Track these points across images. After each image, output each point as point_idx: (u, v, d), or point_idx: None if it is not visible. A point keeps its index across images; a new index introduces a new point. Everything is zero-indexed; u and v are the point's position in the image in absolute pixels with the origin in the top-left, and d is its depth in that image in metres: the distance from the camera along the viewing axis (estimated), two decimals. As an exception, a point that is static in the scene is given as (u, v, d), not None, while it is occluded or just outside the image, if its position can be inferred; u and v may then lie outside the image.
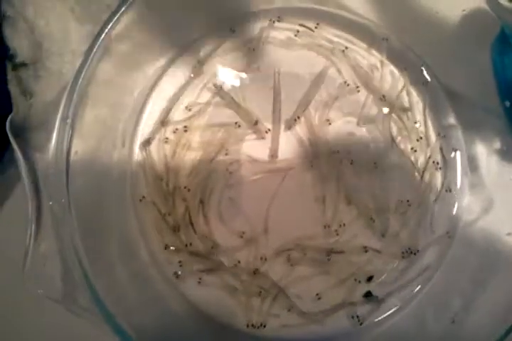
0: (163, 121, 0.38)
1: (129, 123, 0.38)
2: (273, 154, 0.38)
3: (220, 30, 0.39)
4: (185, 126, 0.38)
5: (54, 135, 0.29)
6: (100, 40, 0.31)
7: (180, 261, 0.37)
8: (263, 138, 0.38)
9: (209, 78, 0.39)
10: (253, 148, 0.38)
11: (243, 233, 0.37)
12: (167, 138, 0.38)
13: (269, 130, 0.38)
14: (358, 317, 0.37)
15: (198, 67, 0.39)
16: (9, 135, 0.30)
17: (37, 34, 0.39)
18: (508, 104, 0.36)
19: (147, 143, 0.38)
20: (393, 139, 0.39)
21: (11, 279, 0.28)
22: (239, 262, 0.37)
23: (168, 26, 0.37)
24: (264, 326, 0.36)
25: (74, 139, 0.30)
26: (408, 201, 0.38)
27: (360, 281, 0.37)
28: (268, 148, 0.38)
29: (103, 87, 0.33)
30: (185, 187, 0.37)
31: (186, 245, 0.37)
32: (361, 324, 0.37)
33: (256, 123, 0.38)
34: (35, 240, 0.28)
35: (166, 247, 0.37)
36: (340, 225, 0.38)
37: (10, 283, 0.30)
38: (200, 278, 0.37)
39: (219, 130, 0.38)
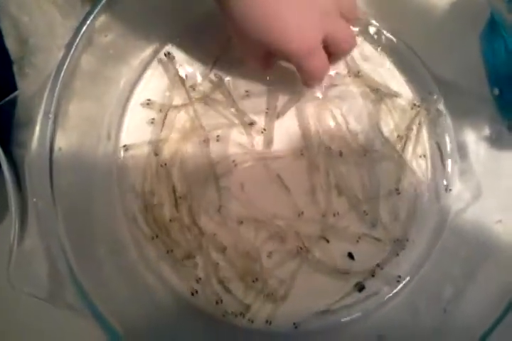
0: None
1: (115, 116, 0.37)
2: (268, 143, 0.38)
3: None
4: (173, 114, 0.38)
5: (36, 130, 0.29)
6: (82, 33, 0.31)
7: (168, 252, 0.36)
8: (253, 126, 0.38)
9: (196, 69, 0.39)
10: (244, 138, 0.38)
11: (236, 221, 0.37)
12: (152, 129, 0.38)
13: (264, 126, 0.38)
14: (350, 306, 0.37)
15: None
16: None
17: (21, 30, 0.38)
18: (497, 91, 0.35)
19: (133, 136, 0.38)
20: (381, 128, 0.39)
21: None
22: (227, 249, 0.36)
23: (153, 16, 0.36)
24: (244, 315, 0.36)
25: (57, 134, 0.30)
26: (397, 190, 0.38)
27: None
28: (256, 138, 0.38)
29: (87, 80, 0.33)
30: (173, 177, 0.37)
31: (175, 239, 0.36)
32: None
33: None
34: (19, 238, 0.28)
35: (153, 239, 0.36)
36: (335, 214, 0.37)
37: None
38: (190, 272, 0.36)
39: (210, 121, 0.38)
